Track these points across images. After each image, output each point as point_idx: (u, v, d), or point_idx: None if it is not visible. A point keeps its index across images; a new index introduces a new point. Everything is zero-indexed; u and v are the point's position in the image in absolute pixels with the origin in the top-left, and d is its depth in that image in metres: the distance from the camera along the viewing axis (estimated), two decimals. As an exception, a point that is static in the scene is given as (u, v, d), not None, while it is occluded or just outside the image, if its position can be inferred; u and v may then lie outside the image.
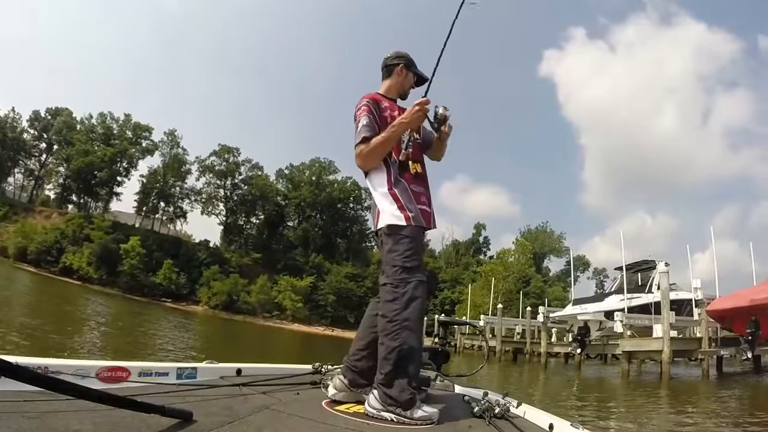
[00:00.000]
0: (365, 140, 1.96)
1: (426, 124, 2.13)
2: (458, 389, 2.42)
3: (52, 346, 8.35)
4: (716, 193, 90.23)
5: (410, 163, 2.05)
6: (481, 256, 65.95)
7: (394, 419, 1.67)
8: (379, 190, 1.99)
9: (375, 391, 1.74)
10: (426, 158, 2.22)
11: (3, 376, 0.92)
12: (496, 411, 1.83)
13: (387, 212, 1.94)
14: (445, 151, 2.28)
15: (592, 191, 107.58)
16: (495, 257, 59.20)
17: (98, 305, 24.60)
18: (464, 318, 32.28)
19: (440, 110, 2.09)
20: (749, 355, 13.49)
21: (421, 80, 2.26)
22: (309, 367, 2.44)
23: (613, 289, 23.42)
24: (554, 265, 68.63)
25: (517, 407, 1.97)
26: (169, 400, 1.33)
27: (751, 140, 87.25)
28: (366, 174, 2.06)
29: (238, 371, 2.15)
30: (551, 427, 1.71)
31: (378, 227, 1.97)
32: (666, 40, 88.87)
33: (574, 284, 35.54)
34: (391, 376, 1.72)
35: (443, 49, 2.13)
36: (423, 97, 2.04)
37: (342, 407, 1.81)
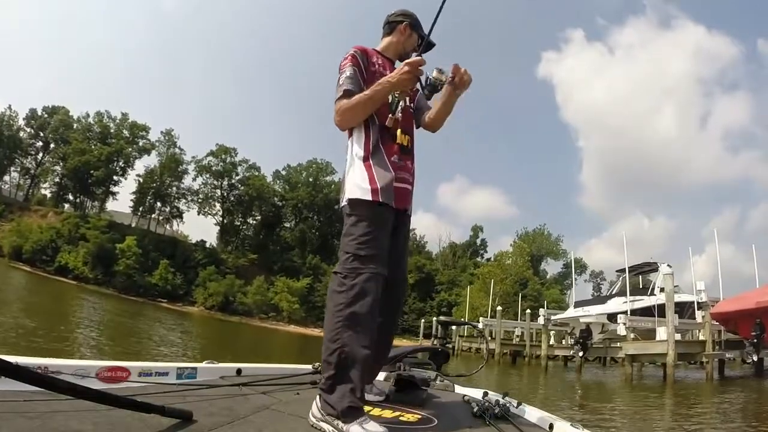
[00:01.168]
0: (346, 94, 1.70)
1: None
2: (458, 389, 2.42)
3: (43, 348, 8.20)
4: (714, 196, 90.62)
5: (398, 132, 1.78)
6: (479, 258, 66.07)
7: None
8: (353, 157, 1.74)
9: (317, 397, 1.54)
10: (427, 136, 1.98)
11: (3, 376, 0.91)
12: (496, 411, 1.82)
13: (352, 184, 1.68)
14: (447, 116, 1.94)
15: (590, 193, 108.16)
16: (492, 259, 59.25)
17: (93, 305, 24.42)
18: (462, 320, 32.22)
19: (434, 74, 1.76)
20: (755, 358, 13.31)
21: (427, 47, 1.95)
22: (309, 367, 2.44)
23: (614, 292, 23.25)
24: (551, 267, 68.86)
25: (517, 407, 1.97)
26: (169, 400, 1.32)
27: (750, 143, 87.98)
28: (349, 136, 1.81)
29: (238, 371, 2.14)
30: (551, 427, 1.71)
31: (342, 204, 1.71)
32: (665, 42, 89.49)
33: (572, 287, 35.69)
34: (331, 382, 1.49)
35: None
36: (417, 57, 1.72)
37: None
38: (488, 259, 62.97)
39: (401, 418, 1.71)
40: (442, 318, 2.87)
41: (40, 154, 59.68)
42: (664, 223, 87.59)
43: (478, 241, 69.39)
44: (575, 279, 37.33)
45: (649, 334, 15.68)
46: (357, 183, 1.67)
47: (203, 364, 2.02)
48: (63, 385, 0.99)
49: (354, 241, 1.60)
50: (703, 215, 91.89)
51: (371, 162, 1.70)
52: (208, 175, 59.69)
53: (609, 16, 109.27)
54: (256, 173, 61.55)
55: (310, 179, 63.30)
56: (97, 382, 1.51)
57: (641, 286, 21.71)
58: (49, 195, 60.67)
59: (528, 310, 29.28)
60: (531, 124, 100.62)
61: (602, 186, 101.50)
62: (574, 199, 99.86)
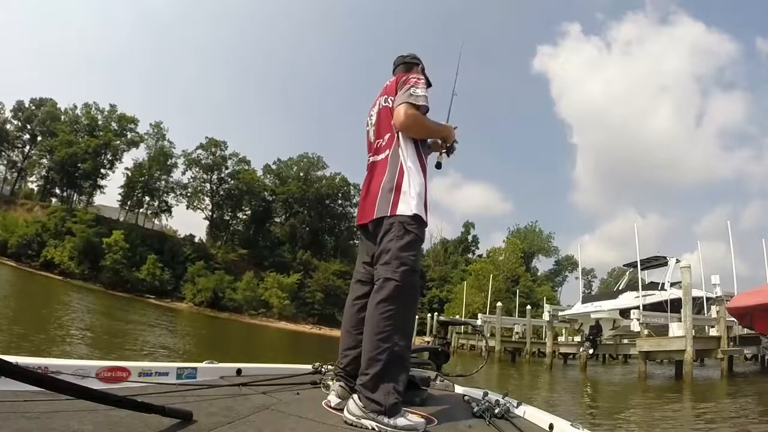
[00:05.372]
0: (425, 110, 1.90)
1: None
2: (458, 389, 2.43)
3: (26, 349, 7.93)
4: (707, 195, 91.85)
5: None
6: (470, 255, 66.39)
7: (375, 428, 1.53)
8: (410, 167, 1.87)
9: (355, 396, 1.62)
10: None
11: (3, 376, 0.90)
12: (496, 411, 1.83)
13: (417, 200, 1.81)
14: None
15: (583, 190, 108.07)
16: (485, 256, 59.51)
17: (79, 301, 24.09)
18: (457, 317, 32.12)
19: (455, 145, 2.20)
20: None
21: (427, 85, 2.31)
22: (309, 367, 2.44)
23: (622, 287, 22.72)
24: (542, 264, 69.39)
25: (517, 407, 1.98)
26: (169, 400, 1.32)
27: (744, 142, 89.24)
28: (396, 137, 1.93)
29: (238, 371, 2.14)
30: (551, 426, 1.73)
31: (397, 212, 1.80)
32: (663, 39, 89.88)
33: (563, 284, 35.88)
34: (377, 379, 1.59)
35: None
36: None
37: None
38: (480, 256, 63.38)
39: None
40: (441, 318, 2.86)
41: (27, 147, 58.64)
42: (657, 221, 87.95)
43: (470, 238, 69.77)
44: (566, 276, 37.58)
45: (661, 330, 15.31)
46: (420, 199, 1.83)
47: (203, 364, 2.02)
48: (63, 385, 0.99)
49: (413, 257, 1.76)
50: (696, 213, 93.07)
51: (427, 183, 1.90)
52: (197, 169, 58.93)
53: (607, 11, 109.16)
54: (246, 167, 60.96)
55: (301, 174, 62.98)
56: (97, 382, 1.51)
57: (647, 282, 21.02)
58: (35, 189, 59.71)
59: (528, 307, 29.12)
60: (525, 119, 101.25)
61: (595, 183, 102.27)
62: (567, 196, 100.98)
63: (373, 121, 2.09)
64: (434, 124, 2.00)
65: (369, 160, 2.04)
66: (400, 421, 1.53)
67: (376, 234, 1.84)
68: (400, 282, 1.70)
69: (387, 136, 1.95)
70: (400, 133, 1.91)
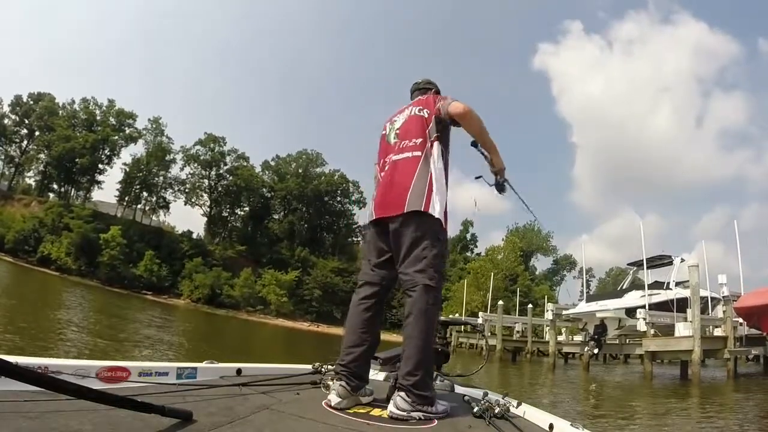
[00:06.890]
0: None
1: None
2: (458, 389, 2.43)
3: (21, 345, 7.75)
4: (706, 195, 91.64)
5: None
6: (468, 253, 66.35)
7: (422, 417, 1.73)
8: (440, 171, 2.00)
9: (402, 393, 1.76)
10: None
11: (3, 376, 0.90)
12: (496, 411, 1.83)
13: (440, 206, 1.94)
14: None
15: (582, 190, 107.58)
16: (483, 254, 59.46)
17: (76, 297, 23.92)
18: (456, 315, 32.04)
19: (506, 183, 2.30)
20: None
21: None
22: (309, 367, 2.44)
23: (625, 286, 22.39)
24: (540, 263, 69.30)
25: (517, 407, 1.98)
26: (169, 400, 1.32)
27: (744, 142, 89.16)
28: (431, 145, 2.03)
29: (238, 371, 2.14)
30: (551, 427, 1.72)
31: (429, 210, 1.92)
32: (665, 39, 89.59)
33: (561, 284, 35.76)
34: (425, 378, 1.79)
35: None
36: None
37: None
38: (478, 254, 63.30)
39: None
40: (441, 318, 2.85)
41: (25, 142, 58.34)
42: (656, 221, 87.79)
43: (468, 236, 69.64)
44: (564, 276, 37.48)
45: (666, 330, 15.11)
46: (441, 206, 1.95)
47: (203, 364, 2.02)
48: (63, 385, 0.98)
49: (443, 264, 1.93)
50: (695, 214, 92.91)
51: (447, 194, 2.02)
52: (195, 165, 58.87)
53: (609, 10, 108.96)
54: (245, 163, 60.96)
55: (300, 170, 62.94)
56: (97, 382, 1.51)
57: (651, 281, 20.40)
58: (33, 184, 59.53)
59: (530, 306, 28.96)
60: (524, 117, 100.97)
61: (595, 182, 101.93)
62: (566, 195, 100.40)
63: (397, 127, 2.17)
64: (487, 134, 2.16)
65: (389, 158, 2.10)
66: (439, 407, 1.80)
67: (400, 227, 1.94)
68: (436, 286, 1.89)
69: (419, 140, 2.05)
70: (435, 144, 2.03)
